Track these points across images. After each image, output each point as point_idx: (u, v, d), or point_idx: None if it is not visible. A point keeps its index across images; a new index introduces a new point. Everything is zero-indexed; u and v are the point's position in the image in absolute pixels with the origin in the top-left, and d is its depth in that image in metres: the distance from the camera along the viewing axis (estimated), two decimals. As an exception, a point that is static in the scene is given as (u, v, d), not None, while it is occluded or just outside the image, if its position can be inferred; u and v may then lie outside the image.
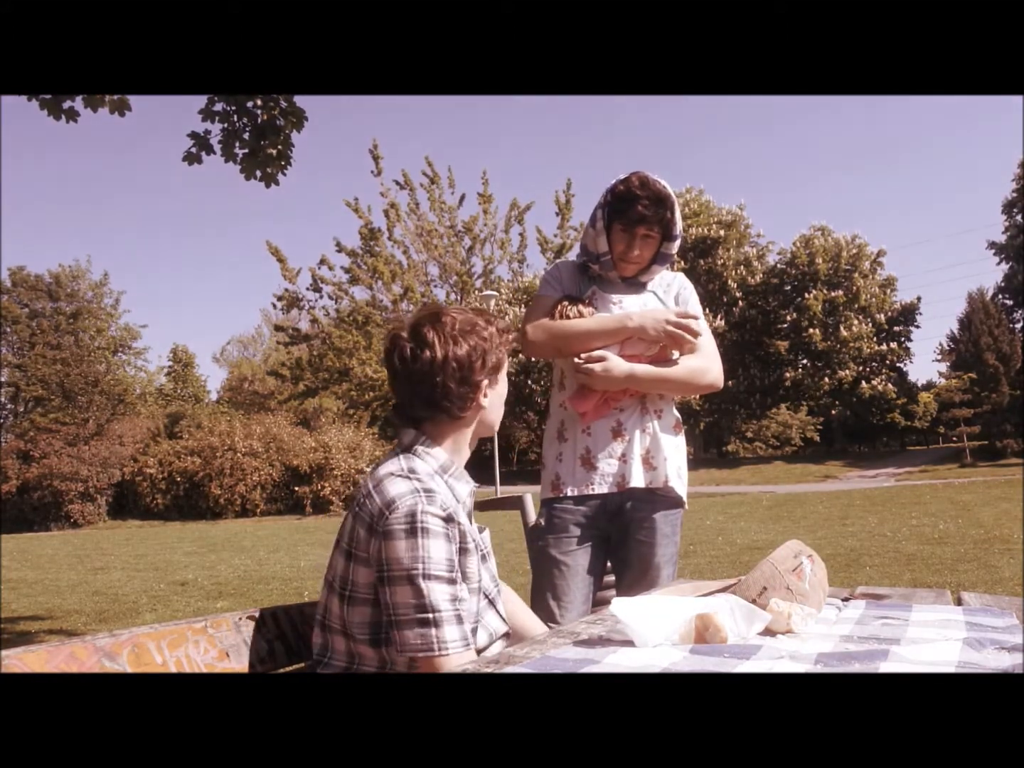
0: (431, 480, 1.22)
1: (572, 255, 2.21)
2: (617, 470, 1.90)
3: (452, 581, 1.15)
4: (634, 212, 1.86)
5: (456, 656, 1.12)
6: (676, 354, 1.94)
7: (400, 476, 1.20)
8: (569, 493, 1.92)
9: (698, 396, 26.83)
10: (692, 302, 2.03)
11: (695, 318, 1.90)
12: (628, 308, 1.94)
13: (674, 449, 1.95)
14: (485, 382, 1.30)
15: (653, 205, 1.86)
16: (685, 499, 1.96)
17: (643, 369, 1.88)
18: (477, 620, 1.25)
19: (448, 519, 1.16)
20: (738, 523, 11.04)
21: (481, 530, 1.40)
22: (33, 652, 0.94)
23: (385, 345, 1.33)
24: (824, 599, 1.18)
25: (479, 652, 1.24)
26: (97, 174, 65.23)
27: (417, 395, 1.27)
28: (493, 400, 1.35)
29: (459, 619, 1.14)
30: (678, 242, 1.96)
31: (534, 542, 1.99)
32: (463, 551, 1.20)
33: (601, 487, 1.90)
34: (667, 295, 2.02)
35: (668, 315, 1.88)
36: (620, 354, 1.88)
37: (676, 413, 2.01)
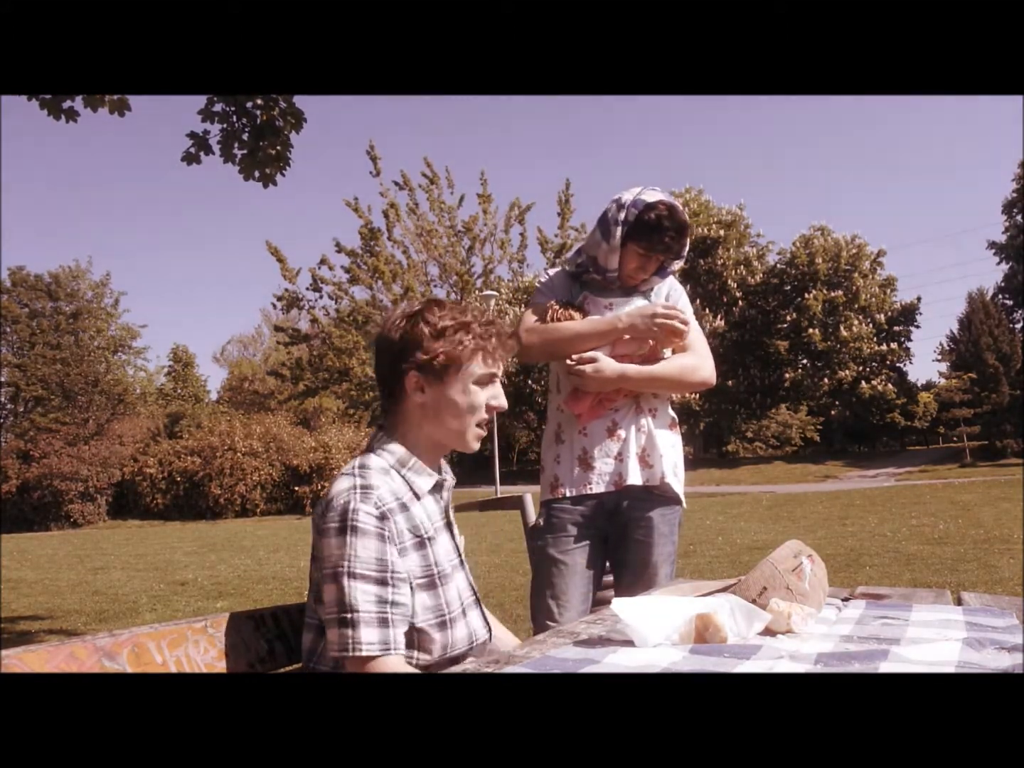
0: (379, 475, 1.20)
1: (571, 255, 2.22)
2: (614, 469, 1.90)
3: (381, 582, 1.10)
4: (659, 242, 1.88)
5: (376, 660, 1.08)
6: (668, 353, 1.95)
7: (347, 474, 1.20)
8: (567, 493, 1.93)
9: (698, 396, 26.92)
10: (682, 302, 2.05)
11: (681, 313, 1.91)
12: (619, 310, 1.95)
13: (670, 447, 1.95)
14: (414, 374, 1.25)
15: (678, 237, 1.89)
16: (683, 496, 1.96)
17: (635, 369, 1.89)
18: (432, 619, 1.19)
19: (382, 516, 1.13)
20: (738, 523, 11.03)
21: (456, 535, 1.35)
22: (33, 652, 0.94)
23: None
24: (824, 599, 1.18)
25: (462, 657, 1.23)
26: (97, 174, 65.36)
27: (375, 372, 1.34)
28: (439, 402, 1.26)
29: (383, 622, 1.09)
30: (682, 261, 1.99)
31: (533, 542, 2.00)
32: (401, 550, 1.16)
33: (598, 486, 1.90)
34: (657, 296, 2.04)
35: (655, 309, 1.89)
36: (612, 355, 1.89)
37: (672, 412, 2.02)
